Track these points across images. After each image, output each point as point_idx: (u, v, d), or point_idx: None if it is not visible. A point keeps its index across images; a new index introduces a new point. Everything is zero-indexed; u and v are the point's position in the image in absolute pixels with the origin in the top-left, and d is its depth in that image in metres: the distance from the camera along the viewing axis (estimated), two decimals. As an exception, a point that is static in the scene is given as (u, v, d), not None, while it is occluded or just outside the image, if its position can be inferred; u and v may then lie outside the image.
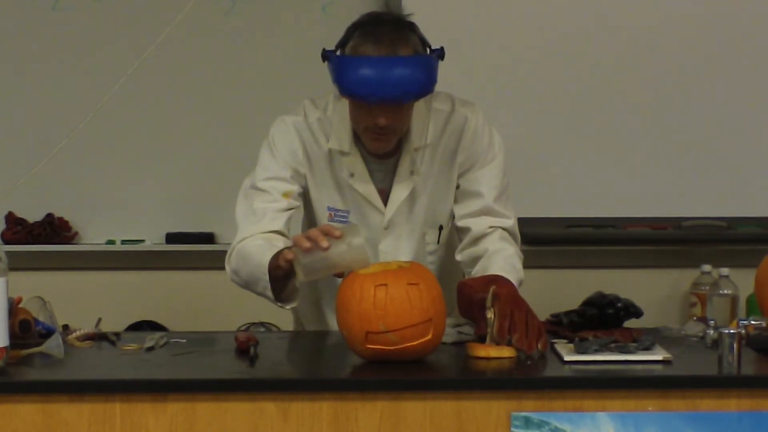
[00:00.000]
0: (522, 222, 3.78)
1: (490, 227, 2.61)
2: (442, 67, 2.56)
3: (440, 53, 2.52)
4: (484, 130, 2.65)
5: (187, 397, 2.12)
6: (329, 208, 2.67)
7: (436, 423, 2.12)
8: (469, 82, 3.73)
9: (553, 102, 3.86)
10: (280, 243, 2.48)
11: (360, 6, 3.48)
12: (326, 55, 2.51)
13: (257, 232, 2.54)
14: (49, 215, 3.90)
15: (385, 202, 2.64)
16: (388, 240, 2.64)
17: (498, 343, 2.28)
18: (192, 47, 3.85)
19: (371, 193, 2.64)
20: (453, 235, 2.73)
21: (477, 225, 2.61)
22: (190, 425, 2.12)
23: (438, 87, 2.62)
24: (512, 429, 2.12)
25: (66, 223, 3.91)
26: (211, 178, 3.90)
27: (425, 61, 2.49)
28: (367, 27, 2.50)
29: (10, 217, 3.89)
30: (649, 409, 2.12)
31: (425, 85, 2.48)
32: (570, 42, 3.85)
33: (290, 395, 2.12)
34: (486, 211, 2.62)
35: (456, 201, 2.67)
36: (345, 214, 2.66)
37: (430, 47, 2.53)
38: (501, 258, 2.54)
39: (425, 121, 2.62)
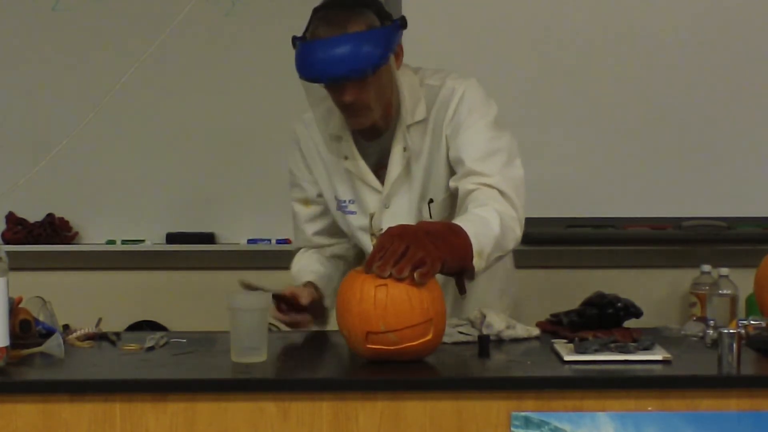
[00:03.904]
0: (522, 222, 3.81)
1: (474, 184, 2.52)
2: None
3: (400, 23, 2.55)
4: (467, 98, 2.60)
5: (187, 397, 2.12)
6: (335, 197, 2.76)
7: (436, 423, 2.12)
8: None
9: (554, 102, 3.86)
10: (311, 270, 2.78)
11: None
12: (295, 43, 2.56)
13: (298, 247, 2.90)
14: (49, 215, 3.90)
15: (382, 181, 2.67)
16: (386, 218, 2.65)
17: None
18: (192, 48, 3.85)
19: (365, 173, 2.67)
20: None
21: (463, 185, 2.54)
22: (190, 425, 2.12)
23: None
24: (512, 429, 2.12)
25: (66, 223, 3.92)
26: (211, 178, 3.90)
27: (374, 35, 2.50)
28: (322, 11, 2.54)
29: (11, 217, 3.89)
30: (649, 409, 2.12)
31: (374, 58, 2.49)
32: (570, 43, 3.85)
33: (290, 395, 2.12)
34: (468, 173, 2.54)
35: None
36: (345, 203, 2.73)
37: (390, 19, 2.54)
38: (469, 212, 2.43)
39: (418, 97, 2.63)
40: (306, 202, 2.81)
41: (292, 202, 2.86)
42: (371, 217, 2.66)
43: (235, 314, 2.29)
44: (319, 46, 2.48)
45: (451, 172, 2.62)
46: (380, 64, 2.51)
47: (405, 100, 2.61)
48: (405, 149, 2.64)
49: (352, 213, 2.73)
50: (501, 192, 2.48)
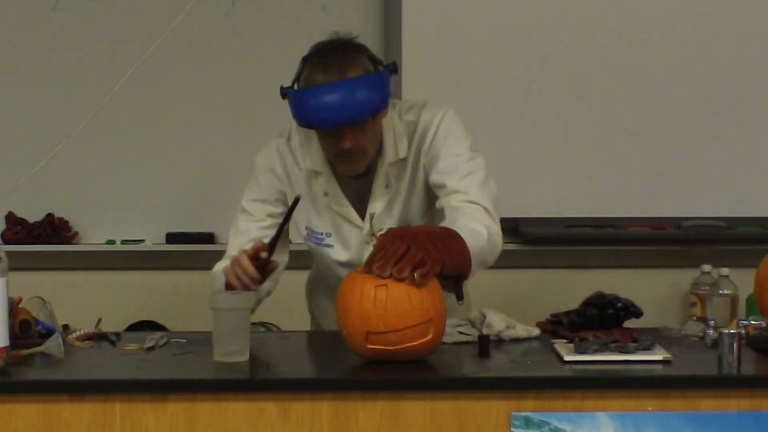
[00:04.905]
0: (522, 222, 3.81)
1: (459, 201, 2.55)
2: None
3: (392, 68, 2.56)
4: (442, 127, 2.63)
5: (187, 397, 2.12)
6: (306, 227, 2.75)
7: (436, 423, 2.12)
8: (470, 83, 3.73)
9: (554, 102, 3.86)
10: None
11: (360, 6, 3.47)
12: (284, 93, 2.55)
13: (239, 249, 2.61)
14: (49, 215, 3.90)
15: (363, 216, 2.68)
16: (368, 251, 2.66)
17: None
18: (192, 47, 3.85)
19: (348, 210, 2.68)
20: None
21: (448, 202, 2.57)
22: (190, 425, 2.12)
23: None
24: (512, 429, 2.12)
25: (66, 223, 3.92)
26: (211, 178, 3.90)
27: (372, 79, 2.51)
28: (315, 57, 2.54)
29: (10, 217, 3.89)
30: (649, 409, 2.12)
31: (376, 102, 2.50)
32: (570, 43, 3.85)
33: (290, 395, 2.12)
34: (451, 191, 2.58)
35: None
36: (320, 235, 2.73)
37: (381, 64, 2.56)
38: (461, 224, 2.45)
39: (399, 135, 2.64)
40: (271, 214, 2.71)
41: (243, 211, 2.73)
42: (371, 216, 2.65)
43: (217, 314, 2.30)
44: (319, 91, 2.47)
45: (429, 199, 2.67)
46: (381, 108, 2.53)
47: (387, 138, 2.63)
48: (387, 186, 2.66)
49: (329, 246, 2.73)
50: (485, 208, 2.53)
